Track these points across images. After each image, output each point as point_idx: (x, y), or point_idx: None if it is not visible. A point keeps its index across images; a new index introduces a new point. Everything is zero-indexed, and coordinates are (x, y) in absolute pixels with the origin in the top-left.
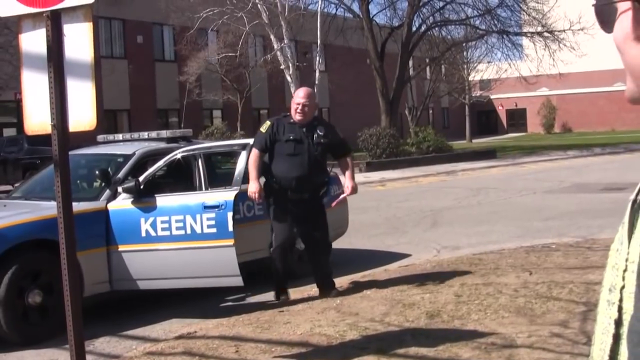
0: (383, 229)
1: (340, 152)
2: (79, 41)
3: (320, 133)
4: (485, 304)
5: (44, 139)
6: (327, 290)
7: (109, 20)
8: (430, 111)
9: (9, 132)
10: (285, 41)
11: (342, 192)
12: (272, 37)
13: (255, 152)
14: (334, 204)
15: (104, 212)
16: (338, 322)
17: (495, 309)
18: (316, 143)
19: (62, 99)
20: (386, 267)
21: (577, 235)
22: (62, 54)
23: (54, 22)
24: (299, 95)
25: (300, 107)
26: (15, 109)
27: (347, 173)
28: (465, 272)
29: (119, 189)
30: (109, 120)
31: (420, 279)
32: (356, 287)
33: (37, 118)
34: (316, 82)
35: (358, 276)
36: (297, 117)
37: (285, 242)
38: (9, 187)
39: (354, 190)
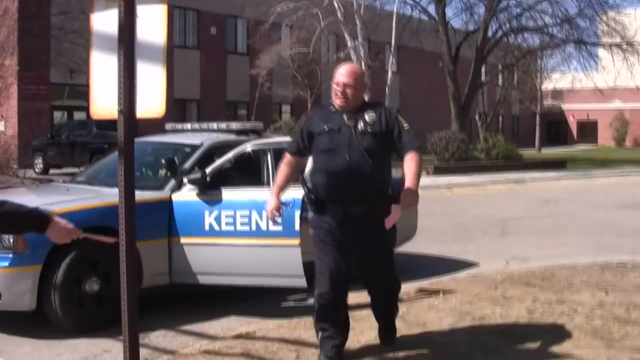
0: (450, 235)
1: (401, 146)
2: (152, 24)
3: (368, 119)
4: (560, 323)
5: (113, 124)
6: (389, 337)
7: (183, 10)
8: (500, 118)
9: (79, 115)
10: (359, 40)
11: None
12: (345, 35)
13: (285, 157)
14: (387, 224)
15: (168, 203)
16: (404, 332)
17: (571, 329)
18: (360, 132)
19: (131, 84)
20: (454, 275)
21: None
22: (133, 37)
23: (127, 2)
24: (340, 73)
25: (340, 88)
26: (86, 93)
27: (408, 177)
28: (537, 286)
29: (185, 180)
30: (178, 109)
31: (489, 291)
32: (423, 296)
33: (103, 102)
34: (388, 82)
35: (425, 283)
36: (336, 101)
37: (331, 285)
38: (75, 170)
39: (410, 204)
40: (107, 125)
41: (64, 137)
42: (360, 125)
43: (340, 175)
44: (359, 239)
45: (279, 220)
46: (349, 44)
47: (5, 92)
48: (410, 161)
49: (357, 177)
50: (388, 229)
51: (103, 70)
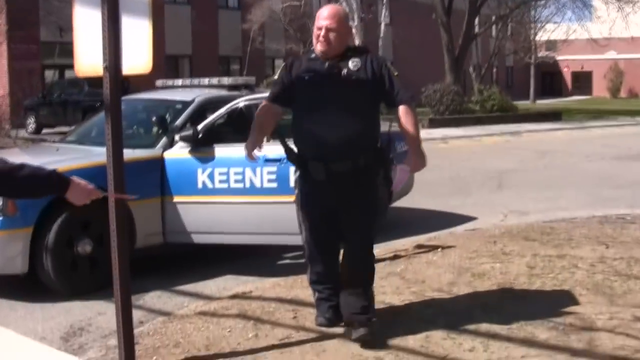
0: (447, 189)
1: (392, 98)
2: None
3: (351, 66)
4: (561, 279)
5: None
6: (359, 326)
7: None
8: (495, 70)
9: (71, 74)
10: None
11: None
12: None
13: (262, 105)
14: (396, 186)
15: (160, 161)
16: (403, 290)
17: (572, 285)
18: (343, 80)
19: (116, 39)
20: (452, 229)
21: None
22: None
23: None
24: (322, 16)
25: (322, 32)
26: None
27: (410, 136)
28: (536, 241)
29: (176, 137)
30: (170, 65)
31: (488, 246)
32: (421, 252)
33: (88, 59)
34: (381, 35)
35: (423, 238)
36: (318, 47)
37: (318, 249)
38: (68, 129)
39: (419, 165)
40: (99, 83)
41: (55, 96)
42: (344, 72)
43: (321, 127)
44: (344, 198)
45: (258, 154)
46: None
47: None
48: (406, 115)
49: (339, 129)
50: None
51: (87, 26)
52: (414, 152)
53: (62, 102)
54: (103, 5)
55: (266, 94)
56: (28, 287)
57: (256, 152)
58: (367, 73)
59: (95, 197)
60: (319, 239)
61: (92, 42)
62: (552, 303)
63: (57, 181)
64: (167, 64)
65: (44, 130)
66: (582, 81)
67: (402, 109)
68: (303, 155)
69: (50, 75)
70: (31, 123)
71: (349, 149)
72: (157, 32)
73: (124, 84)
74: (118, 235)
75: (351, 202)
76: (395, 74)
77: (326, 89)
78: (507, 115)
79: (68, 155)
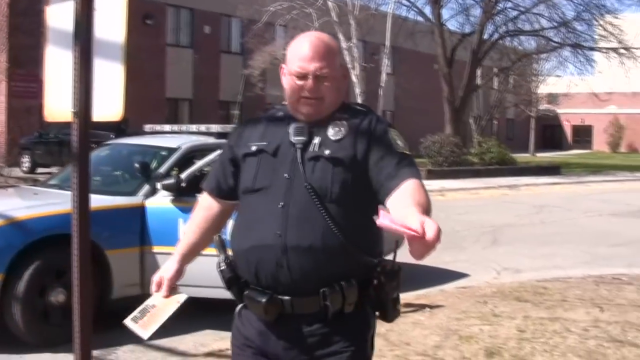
0: (441, 243)
1: (387, 180)
2: (112, 18)
3: (331, 134)
4: (552, 344)
5: (102, 123)
6: None
7: (177, 9)
8: (495, 122)
9: None
10: (354, 41)
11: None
12: (340, 35)
13: (201, 197)
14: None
15: (141, 209)
16: (385, 353)
17: (563, 350)
18: (311, 158)
19: (87, 84)
20: (442, 287)
21: None
22: (90, 32)
23: None
24: (302, 55)
25: (309, 82)
26: None
27: (412, 210)
28: (528, 302)
29: (159, 185)
30: (170, 109)
31: (479, 306)
32: (408, 311)
33: (58, 103)
34: (382, 84)
35: (411, 296)
36: (301, 108)
37: None
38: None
39: (423, 253)
40: (95, 124)
41: (52, 135)
42: (315, 144)
43: (271, 235)
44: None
45: (180, 300)
46: (343, 44)
47: None
48: (416, 190)
49: (300, 241)
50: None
51: (59, 69)
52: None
53: (58, 142)
54: (75, 47)
55: None
56: None
57: (177, 297)
58: (354, 146)
59: None
60: None
61: (63, 86)
62: None
63: None
64: (167, 107)
65: (39, 170)
66: (583, 135)
67: (408, 183)
68: (242, 278)
69: None
70: (26, 162)
71: (315, 276)
72: (158, 75)
73: (120, 125)
74: (81, 285)
75: None
76: (400, 145)
77: (283, 170)
78: (506, 168)
79: (45, 200)
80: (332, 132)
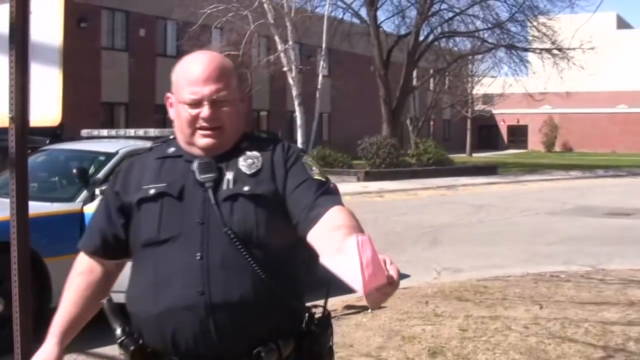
0: (381, 244)
1: (307, 211)
2: (48, 21)
3: (244, 166)
4: (494, 342)
5: (40, 129)
6: None
7: (112, 12)
8: (432, 123)
9: None
10: (290, 43)
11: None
12: (276, 38)
13: (78, 260)
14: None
15: (80, 215)
16: None
17: (505, 348)
18: (227, 198)
19: (24, 88)
20: None
21: (585, 264)
22: (26, 35)
23: None
24: (194, 77)
25: (205, 110)
26: None
27: (349, 246)
28: (469, 301)
29: (97, 191)
30: (106, 113)
31: (420, 307)
32: (351, 313)
33: None
34: (319, 86)
35: (353, 299)
36: (199, 141)
37: None
38: None
39: (377, 280)
40: (34, 130)
41: None
42: (228, 180)
43: (191, 297)
44: None
45: None
46: (279, 47)
47: None
48: (339, 212)
49: (228, 297)
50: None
51: None
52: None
53: None
54: (10, 50)
55: None
56: None
57: None
58: (272, 178)
59: None
60: None
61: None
62: None
63: None
64: (103, 111)
65: None
66: (518, 135)
67: (333, 211)
68: (144, 346)
69: None
70: None
71: (250, 333)
72: (93, 79)
73: (56, 131)
74: (20, 293)
75: None
76: (315, 171)
77: (194, 216)
78: (443, 168)
79: None
80: (245, 166)
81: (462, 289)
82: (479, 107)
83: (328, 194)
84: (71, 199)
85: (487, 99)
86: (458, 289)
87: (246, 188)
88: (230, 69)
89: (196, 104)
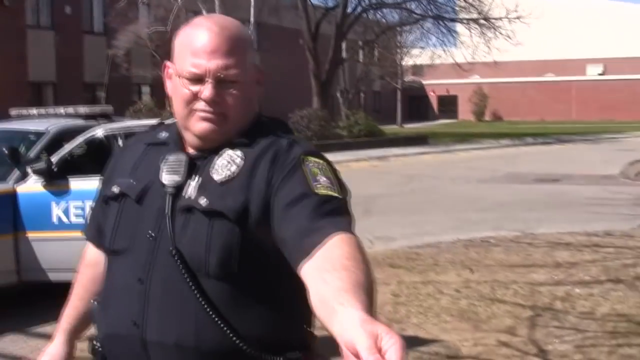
0: None
1: (300, 229)
2: None
3: (217, 169)
4: (426, 306)
5: None
6: None
7: None
8: (362, 95)
9: None
10: None
11: None
12: (204, 12)
13: (85, 251)
14: None
15: (12, 195)
16: None
17: (437, 312)
18: (184, 209)
19: None
20: None
21: (515, 229)
22: None
23: None
24: (201, 45)
25: (208, 89)
26: None
27: (349, 312)
28: (401, 268)
29: (29, 170)
30: (33, 92)
31: None
32: None
33: None
34: None
35: None
36: (195, 125)
37: None
38: None
39: None
40: None
41: None
42: (191, 187)
43: (125, 326)
44: None
45: None
46: None
47: None
48: (336, 255)
49: (163, 337)
50: None
51: None
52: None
53: None
54: None
55: (125, 124)
56: None
57: None
58: (245, 188)
59: None
60: None
61: None
62: (417, 331)
63: None
64: (30, 91)
65: None
66: (448, 105)
67: (334, 242)
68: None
69: None
70: None
71: None
72: (19, 58)
73: None
74: None
75: None
76: (322, 184)
77: (146, 229)
78: (374, 140)
79: None
80: (217, 168)
81: (394, 257)
82: (408, 78)
83: (332, 215)
84: (3, 178)
85: (417, 69)
86: (390, 257)
87: (204, 201)
88: (247, 41)
89: (197, 79)
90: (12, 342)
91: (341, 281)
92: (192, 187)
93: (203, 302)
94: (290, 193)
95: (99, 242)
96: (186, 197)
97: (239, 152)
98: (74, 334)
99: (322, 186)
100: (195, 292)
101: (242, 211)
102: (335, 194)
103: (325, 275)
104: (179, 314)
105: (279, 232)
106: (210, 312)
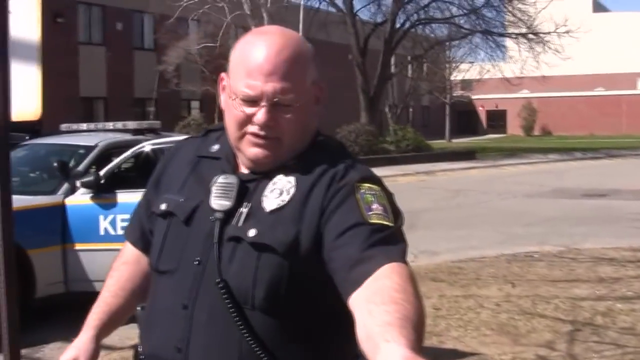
0: None
1: (350, 259)
2: (26, 19)
3: (269, 199)
4: (466, 319)
5: (18, 126)
6: None
7: (88, 6)
8: (411, 109)
9: None
10: None
11: None
12: (253, 28)
13: (124, 248)
14: None
15: (61, 208)
16: None
17: (477, 325)
18: (231, 238)
19: (5, 84)
20: None
21: (560, 244)
22: (6, 33)
23: None
24: (254, 63)
25: (262, 114)
26: None
27: (389, 348)
28: (444, 282)
29: (78, 183)
30: (85, 108)
31: None
32: None
33: None
34: None
35: None
36: (247, 150)
37: None
38: None
39: None
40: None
41: None
42: (241, 214)
43: (168, 350)
44: None
45: None
46: None
47: None
48: (386, 287)
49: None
50: None
51: None
52: None
53: None
54: None
55: (171, 138)
56: None
57: None
58: (298, 219)
59: None
60: None
61: None
62: (456, 344)
63: None
64: (81, 106)
65: None
66: (497, 120)
67: (383, 272)
68: None
69: None
70: None
71: None
72: (71, 74)
73: (34, 126)
74: (7, 286)
75: None
76: (378, 214)
77: (194, 254)
78: (422, 154)
79: None
80: (268, 196)
81: (437, 271)
82: (457, 93)
83: (383, 244)
84: (53, 191)
85: (465, 84)
86: (433, 271)
87: (252, 232)
88: (308, 58)
89: (251, 101)
90: (58, 350)
91: (388, 315)
92: (242, 215)
93: (246, 335)
94: (342, 222)
95: (140, 247)
96: (235, 225)
97: (291, 179)
98: (103, 331)
99: (375, 215)
100: (239, 323)
101: (292, 244)
102: (388, 223)
103: (372, 308)
104: (223, 344)
105: (330, 262)
106: (254, 345)
